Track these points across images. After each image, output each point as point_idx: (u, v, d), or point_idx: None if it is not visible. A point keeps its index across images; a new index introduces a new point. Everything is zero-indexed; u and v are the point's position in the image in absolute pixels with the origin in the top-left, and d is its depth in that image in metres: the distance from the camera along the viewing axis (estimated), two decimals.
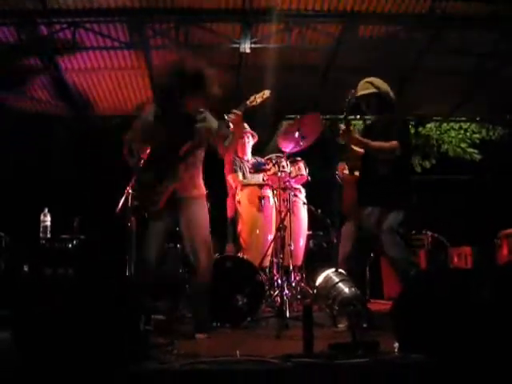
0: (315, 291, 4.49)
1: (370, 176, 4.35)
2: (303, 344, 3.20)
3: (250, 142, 6.31)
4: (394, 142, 4.29)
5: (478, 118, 10.32)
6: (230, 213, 6.05)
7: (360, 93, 4.53)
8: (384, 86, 4.54)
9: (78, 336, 2.80)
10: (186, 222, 4.17)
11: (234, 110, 4.18)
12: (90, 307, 2.91)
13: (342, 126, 4.43)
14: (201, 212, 4.27)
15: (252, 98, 4.32)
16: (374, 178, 4.34)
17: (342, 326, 4.21)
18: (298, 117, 5.66)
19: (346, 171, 4.50)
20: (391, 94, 4.56)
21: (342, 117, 4.50)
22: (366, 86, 4.54)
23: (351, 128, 4.43)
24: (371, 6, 6.87)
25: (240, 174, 6.13)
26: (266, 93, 4.35)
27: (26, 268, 6.20)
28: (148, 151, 4.07)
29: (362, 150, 4.37)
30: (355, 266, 4.41)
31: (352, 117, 4.40)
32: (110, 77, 8.30)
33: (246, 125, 6.35)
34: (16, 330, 2.87)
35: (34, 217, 6.44)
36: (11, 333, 2.86)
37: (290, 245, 5.27)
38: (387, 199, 4.30)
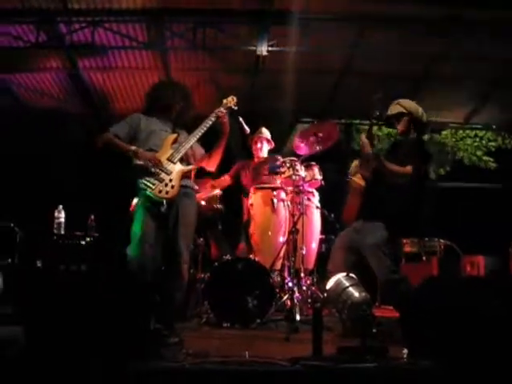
0: (325, 295, 4.49)
1: (375, 191, 4.32)
2: (312, 347, 3.21)
3: (264, 147, 6.34)
4: (408, 168, 4.20)
5: (494, 126, 10.24)
6: (245, 214, 6.09)
7: (388, 114, 4.50)
8: (413, 106, 4.48)
9: (88, 333, 2.82)
10: (180, 214, 4.14)
11: (221, 109, 4.46)
12: (101, 304, 2.93)
13: (363, 138, 4.35)
14: (194, 206, 4.34)
15: (225, 100, 4.60)
16: (378, 196, 4.30)
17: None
18: (316, 122, 5.69)
19: (356, 178, 4.47)
20: (421, 114, 4.48)
21: (367, 124, 4.45)
22: (394, 108, 4.51)
23: (373, 141, 4.35)
24: (388, 11, 6.85)
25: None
26: (234, 98, 4.63)
27: (39, 264, 6.25)
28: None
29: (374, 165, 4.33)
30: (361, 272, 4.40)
31: (376, 126, 4.30)
32: (127, 76, 8.36)
33: (264, 129, 6.39)
34: (28, 326, 2.89)
35: (48, 213, 6.49)
36: (23, 328, 2.89)
37: (301, 248, 5.28)
38: (386, 217, 4.25)
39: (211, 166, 4.62)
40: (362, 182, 4.40)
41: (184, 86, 4.59)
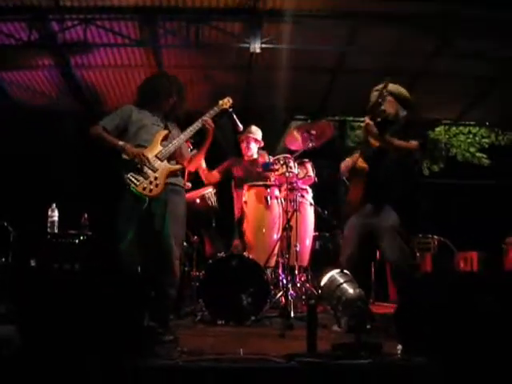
0: (320, 291, 4.50)
1: (379, 173, 4.31)
2: (307, 344, 3.21)
3: (251, 146, 6.33)
4: (415, 143, 4.25)
5: (487, 123, 10.26)
6: (237, 211, 6.10)
7: (371, 103, 4.45)
8: (393, 87, 4.45)
9: (82, 331, 2.82)
10: (169, 210, 4.09)
11: (207, 115, 4.39)
12: (95, 303, 2.92)
13: (367, 119, 4.33)
14: (183, 203, 4.30)
15: (221, 102, 4.56)
16: (382, 176, 4.29)
17: (336, 328, 4.21)
18: (310, 121, 5.72)
19: (359, 162, 4.43)
20: (403, 92, 4.49)
21: (370, 107, 4.41)
22: (373, 95, 4.47)
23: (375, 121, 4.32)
24: (382, 9, 6.85)
25: None
26: (230, 100, 4.58)
27: (33, 263, 6.23)
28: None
29: (377, 144, 4.32)
30: (358, 267, 4.37)
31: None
32: (120, 74, 8.33)
33: (253, 128, 6.37)
34: (22, 325, 2.88)
35: (41, 212, 6.47)
36: (17, 327, 2.88)
37: (295, 245, 5.29)
38: (392, 198, 4.25)
39: (191, 167, 4.63)
40: (365, 165, 4.37)
41: (179, 79, 4.50)
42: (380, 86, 4.41)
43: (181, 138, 4.24)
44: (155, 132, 4.18)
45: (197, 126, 4.30)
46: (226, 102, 4.56)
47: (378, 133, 4.27)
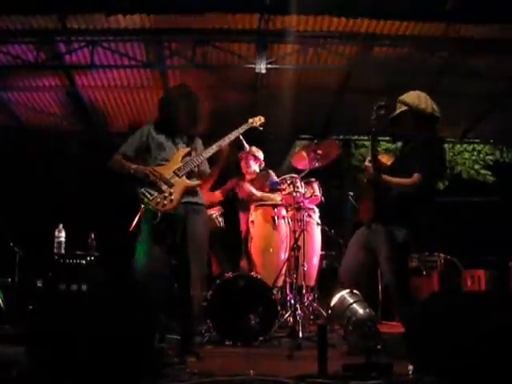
0: (329, 312, 4.47)
1: (383, 199, 4.22)
2: (318, 364, 3.19)
3: (251, 164, 6.30)
4: (416, 176, 3.95)
5: (491, 140, 10.28)
6: (242, 232, 6.09)
7: (391, 116, 4.23)
8: (416, 100, 4.12)
9: (91, 353, 2.81)
10: (188, 231, 4.06)
11: (235, 132, 4.30)
12: (104, 324, 2.91)
13: (366, 163, 4.18)
14: (203, 221, 4.23)
15: (251, 120, 4.48)
16: (385, 202, 4.21)
17: (346, 348, 4.18)
18: (316, 141, 5.74)
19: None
20: (427, 108, 4.10)
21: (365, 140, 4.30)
22: (398, 107, 4.21)
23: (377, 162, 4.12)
24: (385, 28, 6.91)
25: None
26: (262, 118, 4.51)
27: (39, 283, 6.23)
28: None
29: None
30: (359, 280, 4.31)
31: (379, 141, 4.08)
32: (126, 95, 8.39)
33: (253, 148, 6.35)
34: (29, 346, 2.88)
35: (48, 232, 6.47)
36: (25, 348, 2.87)
37: (303, 265, 5.29)
38: (394, 219, 4.08)
39: (206, 185, 4.50)
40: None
41: (198, 95, 4.37)
42: (404, 98, 4.20)
43: (201, 156, 4.16)
44: (176, 149, 4.14)
45: (220, 144, 4.18)
46: (257, 121, 4.46)
47: (376, 175, 4.06)
